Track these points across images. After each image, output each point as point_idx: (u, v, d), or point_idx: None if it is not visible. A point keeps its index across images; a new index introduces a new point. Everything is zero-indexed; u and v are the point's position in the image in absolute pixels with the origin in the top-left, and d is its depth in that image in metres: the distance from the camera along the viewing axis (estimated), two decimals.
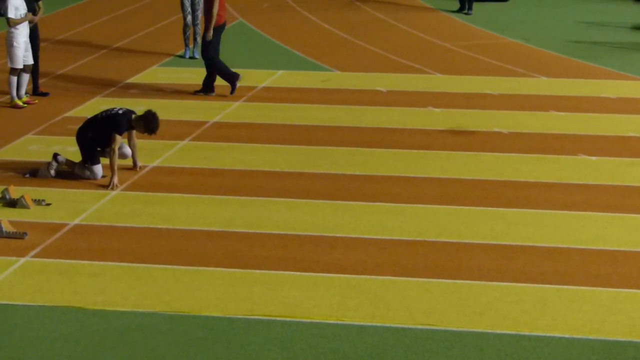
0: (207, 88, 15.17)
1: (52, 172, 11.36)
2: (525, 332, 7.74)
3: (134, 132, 11.43)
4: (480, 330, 7.79)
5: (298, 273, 8.83)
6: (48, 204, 10.51)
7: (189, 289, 8.52)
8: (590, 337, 7.68)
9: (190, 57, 17.74)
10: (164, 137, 12.29)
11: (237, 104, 14.63)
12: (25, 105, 14.48)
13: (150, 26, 21.13)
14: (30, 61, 14.48)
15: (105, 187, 11.04)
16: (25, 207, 10.37)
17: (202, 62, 15.25)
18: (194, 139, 12.89)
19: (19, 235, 9.61)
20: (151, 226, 9.96)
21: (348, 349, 7.50)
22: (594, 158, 12.06)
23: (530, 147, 12.45)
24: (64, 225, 9.98)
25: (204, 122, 13.64)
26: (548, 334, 7.71)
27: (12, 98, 14.41)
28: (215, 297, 8.35)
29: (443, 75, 16.49)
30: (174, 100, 14.81)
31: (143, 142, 11.94)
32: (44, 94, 15.06)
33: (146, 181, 11.32)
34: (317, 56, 18.00)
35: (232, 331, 7.77)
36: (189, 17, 17.74)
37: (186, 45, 17.95)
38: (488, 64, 17.27)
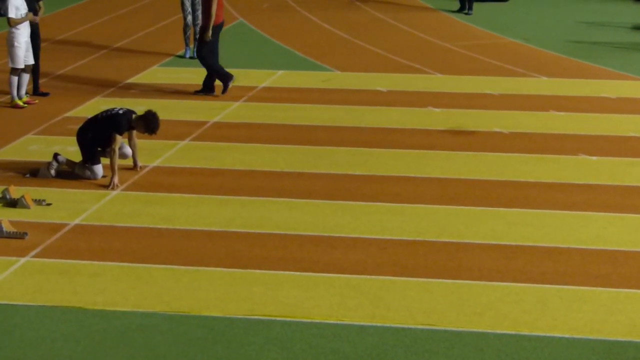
0: (207, 88, 15.18)
1: (53, 172, 11.36)
2: (526, 332, 7.74)
3: (134, 132, 11.43)
4: (480, 330, 7.79)
5: (298, 273, 8.83)
6: (48, 204, 10.52)
7: (189, 289, 8.52)
8: (591, 337, 7.68)
9: (191, 57, 17.73)
10: (164, 137, 12.28)
11: (237, 104, 14.63)
12: (26, 105, 14.48)
13: (151, 26, 21.13)
14: (31, 61, 14.48)
15: (106, 187, 11.04)
16: (26, 207, 10.37)
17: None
18: (194, 139, 12.89)
19: (19, 235, 9.61)
20: (151, 226, 9.96)
21: (348, 349, 7.50)
22: (594, 158, 12.06)
23: (531, 147, 12.45)
24: (64, 225, 9.98)
25: (204, 122, 13.64)
26: (548, 334, 7.71)
27: (12, 98, 14.42)
28: (215, 297, 8.35)
29: (443, 75, 16.49)
30: (174, 100, 14.81)
31: (143, 142, 11.94)
32: (44, 94, 15.06)
33: (146, 181, 11.32)
34: (317, 56, 18.00)
35: (232, 331, 7.77)
36: (190, 17, 17.74)
37: (186, 45, 17.95)
38: (488, 64, 17.27)
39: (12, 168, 11.68)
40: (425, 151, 12.35)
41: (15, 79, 14.34)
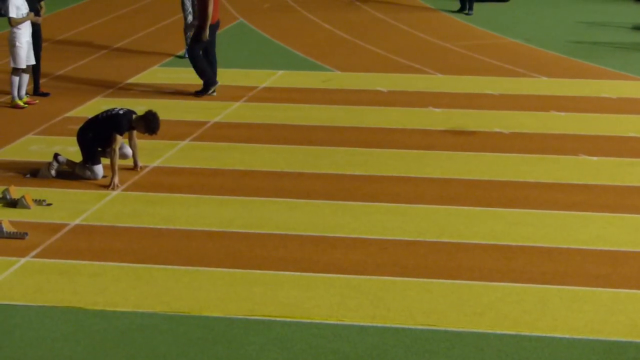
0: (207, 88, 15.17)
1: (53, 172, 11.36)
2: (526, 333, 7.74)
3: (135, 132, 11.43)
4: (480, 330, 7.79)
5: (298, 273, 8.83)
6: (49, 204, 10.52)
7: (189, 289, 8.53)
8: (591, 337, 7.68)
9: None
10: (164, 137, 12.29)
11: (237, 104, 14.63)
12: (26, 105, 14.48)
13: (151, 26, 21.13)
14: (32, 61, 14.48)
15: (106, 187, 11.04)
16: (26, 207, 10.37)
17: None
18: (194, 139, 12.89)
19: (19, 236, 9.62)
20: (152, 226, 9.96)
21: (348, 349, 7.50)
22: (594, 158, 12.06)
23: (531, 147, 12.45)
24: (64, 225, 9.99)
25: (205, 122, 13.64)
26: (549, 335, 7.71)
27: (13, 98, 14.42)
28: (215, 297, 8.35)
29: (443, 75, 16.49)
30: (175, 101, 14.81)
31: (143, 142, 11.94)
32: (45, 94, 15.06)
33: (147, 181, 11.32)
34: (317, 56, 18.00)
35: (232, 331, 7.77)
36: (190, 17, 17.72)
37: (187, 45, 17.94)
38: (488, 64, 17.26)
39: (13, 168, 11.68)
40: (425, 151, 12.35)
41: (16, 79, 14.34)
